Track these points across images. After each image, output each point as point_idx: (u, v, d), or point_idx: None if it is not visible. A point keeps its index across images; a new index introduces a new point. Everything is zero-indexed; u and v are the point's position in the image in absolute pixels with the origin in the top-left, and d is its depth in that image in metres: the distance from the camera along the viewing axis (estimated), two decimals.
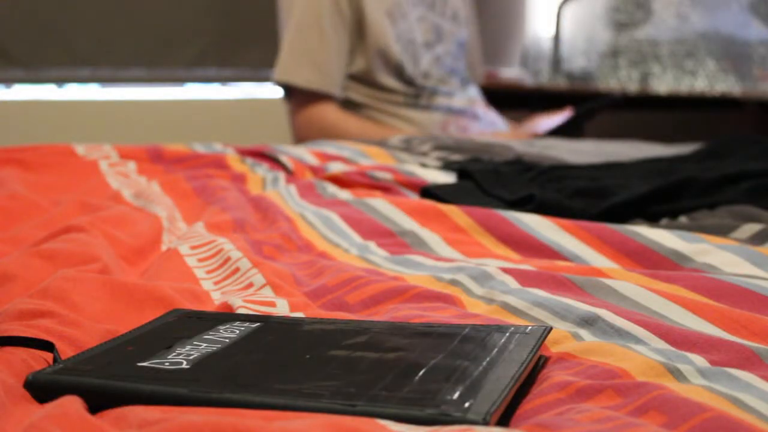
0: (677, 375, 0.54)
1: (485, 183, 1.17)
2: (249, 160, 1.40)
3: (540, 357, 0.60)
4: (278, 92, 2.07)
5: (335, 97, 1.99)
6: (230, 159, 1.39)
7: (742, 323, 0.64)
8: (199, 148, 1.44)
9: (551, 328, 0.62)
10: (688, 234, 0.88)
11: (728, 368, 0.55)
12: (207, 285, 0.81)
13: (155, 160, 1.37)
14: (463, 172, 1.24)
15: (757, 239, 0.91)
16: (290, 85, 2.00)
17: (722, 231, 0.94)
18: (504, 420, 0.52)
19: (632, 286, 0.72)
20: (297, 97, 2.02)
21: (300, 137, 2.00)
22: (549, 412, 0.52)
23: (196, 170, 1.31)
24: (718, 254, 0.82)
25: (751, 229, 0.93)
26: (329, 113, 1.99)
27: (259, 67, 2.86)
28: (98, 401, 0.52)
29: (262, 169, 1.36)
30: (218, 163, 1.37)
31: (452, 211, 1.01)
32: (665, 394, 0.50)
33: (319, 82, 1.96)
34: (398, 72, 2.01)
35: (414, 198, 1.16)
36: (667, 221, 1.05)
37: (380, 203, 1.06)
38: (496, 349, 0.58)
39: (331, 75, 1.97)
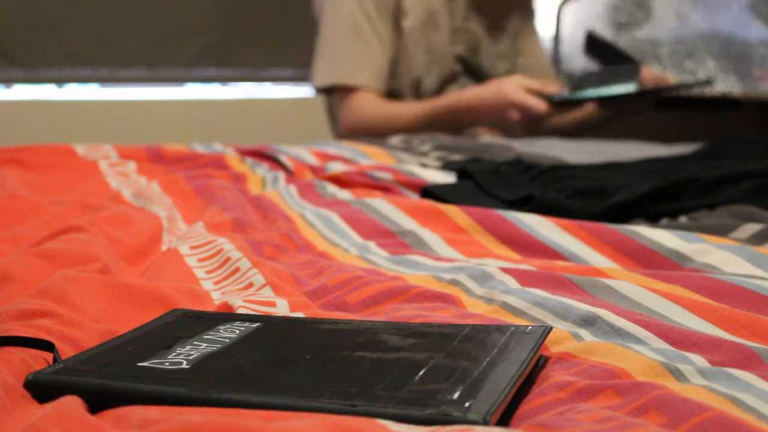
0: (677, 375, 0.54)
1: (485, 183, 1.17)
2: (249, 160, 1.40)
3: (540, 357, 0.60)
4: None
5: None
6: (230, 159, 1.39)
7: (742, 323, 0.64)
8: (199, 148, 1.44)
9: (551, 328, 0.62)
10: (688, 234, 0.88)
11: (728, 368, 0.55)
12: (207, 285, 0.81)
13: (155, 160, 1.37)
14: (463, 172, 1.24)
15: (757, 239, 0.91)
16: (347, 87, 1.99)
17: (722, 231, 0.93)
18: (504, 420, 0.52)
19: (632, 286, 0.72)
20: (340, 92, 2.02)
21: (348, 125, 2.00)
22: (549, 412, 0.51)
23: (196, 170, 1.31)
24: (718, 254, 0.82)
25: (751, 229, 0.93)
26: (370, 100, 1.99)
27: (259, 67, 2.86)
28: (98, 401, 0.52)
29: (262, 169, 1.36)
30: (218, 163, 1.37)
31: (452, 211, 1.01)
32: (665, 394, 0.50)
33: (376, 81, 1.98)
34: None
35: (414, 198, 1.16)
36: (667, 221, 1.05)
37: (380, 203, 1.06)
38: (496, 349, 0.58)
39: (384, 75, 1.99)
